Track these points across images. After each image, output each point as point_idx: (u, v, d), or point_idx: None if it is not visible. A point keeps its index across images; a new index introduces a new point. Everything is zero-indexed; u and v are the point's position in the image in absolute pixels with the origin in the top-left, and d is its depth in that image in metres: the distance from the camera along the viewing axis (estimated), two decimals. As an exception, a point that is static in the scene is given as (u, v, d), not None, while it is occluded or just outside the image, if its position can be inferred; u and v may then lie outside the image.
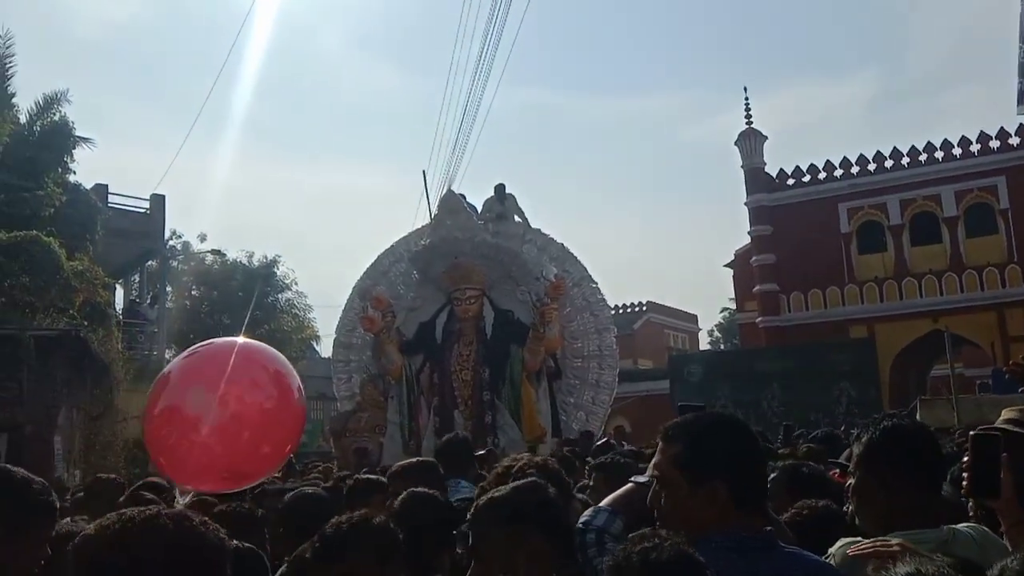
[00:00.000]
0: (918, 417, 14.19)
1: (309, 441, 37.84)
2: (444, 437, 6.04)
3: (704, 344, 56.02)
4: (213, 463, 2.66)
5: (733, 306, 39.67)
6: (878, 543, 1.95)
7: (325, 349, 41.29)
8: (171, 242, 31.48)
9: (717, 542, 1.74)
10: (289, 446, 2.91)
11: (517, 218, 15.21)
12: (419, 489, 3.06)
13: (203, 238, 33.51)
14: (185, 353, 2.95)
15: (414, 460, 4.28)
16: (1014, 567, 1.38)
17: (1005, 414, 2.87)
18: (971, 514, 2.73)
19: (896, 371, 25.68)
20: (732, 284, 33.04)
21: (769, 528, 2.02)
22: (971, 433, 2.43)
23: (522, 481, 2.27)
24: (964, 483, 2.54)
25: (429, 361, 13.90)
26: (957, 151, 26.66)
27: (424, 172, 28.32)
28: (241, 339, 3.10)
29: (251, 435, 2.75)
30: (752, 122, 29.40)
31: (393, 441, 13.38)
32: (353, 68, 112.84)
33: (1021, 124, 25.69)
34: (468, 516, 2.14)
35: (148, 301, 25.61)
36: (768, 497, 2.10)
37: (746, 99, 29.72)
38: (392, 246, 15.60)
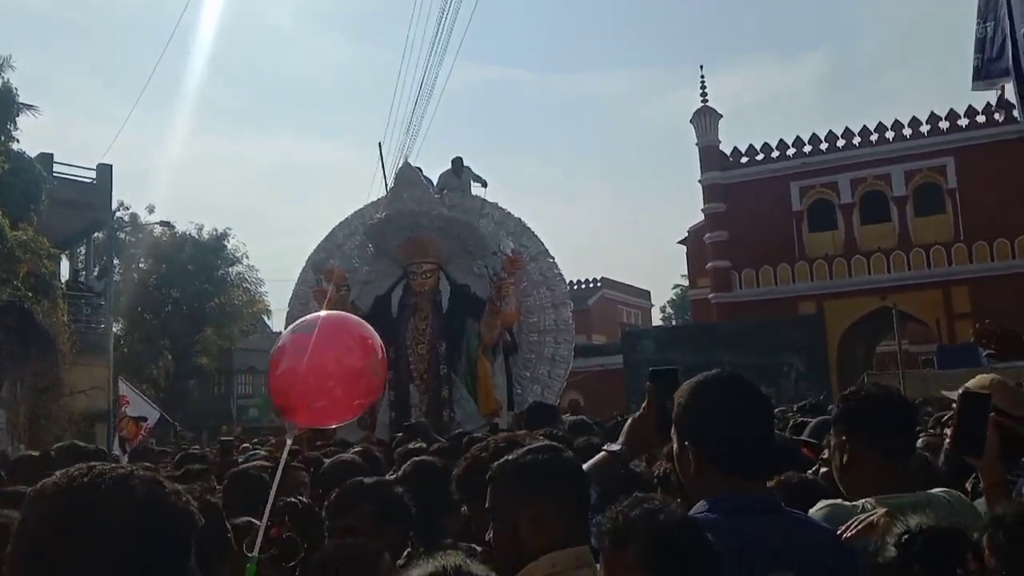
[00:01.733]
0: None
1: (260, 415, 37.58)
2: (404, 424, 6.07)
3: (657, 320, 56.66)
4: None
5: (686, 283, 40.08)
6: (863, 518, 1.95)
7: (277, 323, 40.89)
8: (119, 214, 30.79)
9: (716, 504, 1.72)
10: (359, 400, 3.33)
11: (475, 187, 15.08)
12: (423, 458, 3.49)
13: (151, 210, 32.89)
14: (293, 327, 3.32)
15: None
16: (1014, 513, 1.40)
17: (952, 393, 2.92)
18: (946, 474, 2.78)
19: (844, 347, 26.21)
20: (685, 260, 33.34)
21: (772, 491, 2.05)
22: (960, 391, 2.47)
23: (538, 444, 2.24)
24: (948, 440, 2.59)
25: (384, 335, 13.72)
26: (907, 131, 27.12)
27: (380, 145, 27.85)
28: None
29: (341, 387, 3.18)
30: (707, 100, 29.58)
31: (348, 416, 13.28)
32: (305, 41, 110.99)
33: (970, 105, 26.22)
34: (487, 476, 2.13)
35: (95, 273, 25.03)
36: (764, 463, 2.04)
37: (702, 77, 29.92)
38: (347, 219, 15.37)
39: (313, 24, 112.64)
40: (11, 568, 1.06)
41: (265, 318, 39.90)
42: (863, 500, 2.13)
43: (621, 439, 2.53)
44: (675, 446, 2.06)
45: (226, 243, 34.17)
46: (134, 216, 32.90)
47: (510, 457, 2.14)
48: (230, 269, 34.62)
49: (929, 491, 2.28)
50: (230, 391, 41.06)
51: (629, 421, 2.55)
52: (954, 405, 2.50)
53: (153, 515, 1.09)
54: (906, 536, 1.71)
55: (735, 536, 1.69)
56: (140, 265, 33.66)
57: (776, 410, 6.71)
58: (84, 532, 1.05)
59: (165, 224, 32.75)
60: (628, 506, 1.66)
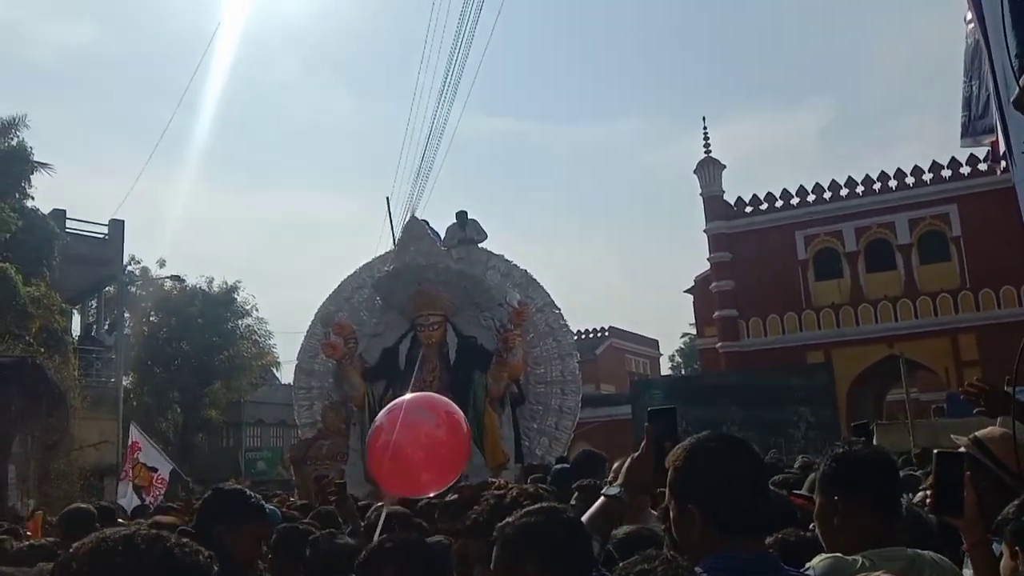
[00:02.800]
0: (875, 441, 14.41)
1: (268, 469, 37.42)
2: None
3: (665, 369, 56.48)
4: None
5: (694, 331, 40.03)
6: None
7: (285, 375, 40.95)
8: (129, 268, 31.08)
9: (715, 564, 1.74)
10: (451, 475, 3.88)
11: (478, 239, 15.24)
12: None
13: (162, 264, 33.16)
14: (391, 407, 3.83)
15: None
16: None
17: (961, 438, 2.98)
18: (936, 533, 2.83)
19: (853, 396, 26.05)
20: (692, 310, 33.37)
21: (770, 551, 2.06)
22: (935, 452, 2.52)
23: (536, 506, 2.27)
24: (927, 502, 2.64)
25: (392, 387, 13.81)
26: (910, 179, 27.30)
27: (388, 199, 28.35)
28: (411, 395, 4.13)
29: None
30: (711, 150, 29.88)
31: (355, 468, 13.25)
32: (314, 95, 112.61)
33: (972, 154, 26.38)
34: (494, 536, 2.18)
35: (105, 327, 25.21)
36: (764, 523, 2.07)
37: (704, 128, 30.25)
38: (355, 272, 15.56)
39: (320, 78, 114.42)
40: None
41: (274, 370, 39.99)
42: (860, 554, 2.17)
43: (620, 480, 2.55)
44: (672, 509, 2.08)
45: (235, 296, 34.38)
46: (145, 270, 33.23)
47: (510, 520, 2.17)
48: (239, 322, 34.77)
49: (919, 551, 2.31)
50: (239, 444, 40.95)
51: (627, 462, 2.56)
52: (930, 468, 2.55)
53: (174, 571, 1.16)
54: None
55: None
56: (150, 318, 33.80)
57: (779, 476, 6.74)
58: None
59: (175, 278, 33.01)
60: (634, 562, 1.68)
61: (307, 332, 15.50)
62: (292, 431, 31.70)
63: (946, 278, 26.22)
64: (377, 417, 3.84)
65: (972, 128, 5.74)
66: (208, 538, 3.06)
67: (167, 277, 32.93)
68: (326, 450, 13.96)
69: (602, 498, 2.53)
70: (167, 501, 13.15)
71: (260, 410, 40.85)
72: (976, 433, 3.02)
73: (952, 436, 3.08)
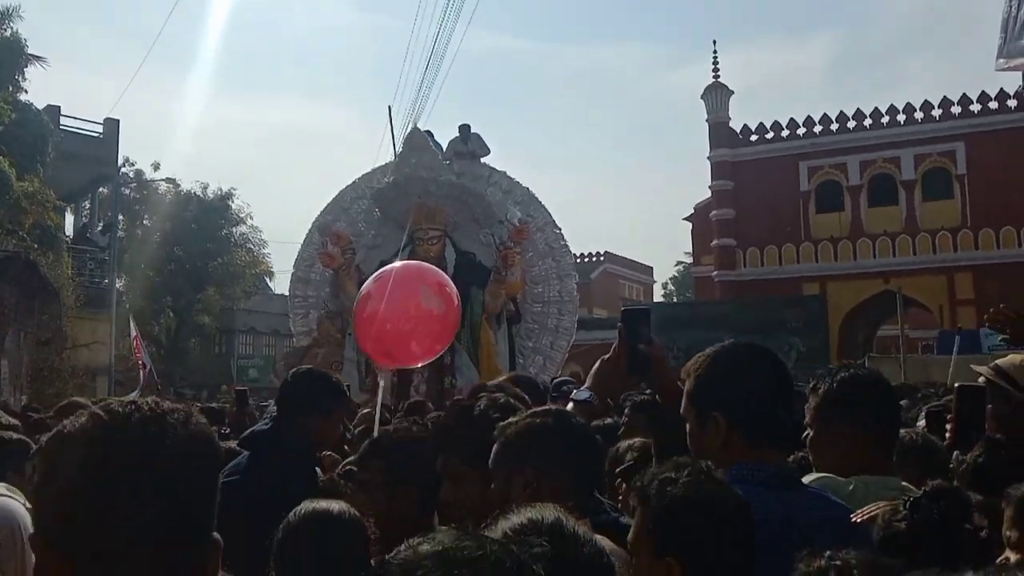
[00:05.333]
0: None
1: (260, 376, 37.70)
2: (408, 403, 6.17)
3: (659, 296, 56.64)
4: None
5: (689, 260, 39.99)
6: (869, 511, 1.91)
7: (279, 285, 40.92)
8: (124, 169, 30.62)
9: (740, 475, 1.67)
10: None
11: (480, 155, 15.01)
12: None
13: (156, 167, 32.70)
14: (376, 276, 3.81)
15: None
16: None
17: (981, 368, 2.92)
18: (952, 465, 2.78)
19: (845, 329, 26.21)
20: (690, 237, 33.24)
21: (791, 464, 2.00)
22: (956, 386, 2.46)
23: (542, 408, 2.19)
24: (948, 434, 2.58)
25: (388, 300, 13.80)
26: (919, 115, 26.91)
27: (389, 108, 27.73)
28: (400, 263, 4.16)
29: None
30: (719, 76, 29.34)
31: (349, 378, 13.28)
32: (314, 4, 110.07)
33: (983, 91, 25.99)
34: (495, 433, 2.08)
35: (99, 228, 24.98)
36: (787, 436, 2.00)
37: (714, 53, 29.71)
38: (354, 182, 15.34)
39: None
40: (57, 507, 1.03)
41: (268, 280, 39.93)
42: (853, 478, 2.11)
43: (588, 383, 2.44)
44: (692, 418, 1.99)
45: (231, 203, 34.07)
46: (139, 172, 32.78)
47: (514, 419, 2.09)
48: (234, 229, 34.55)
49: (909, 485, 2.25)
50: (231, 351, 41.17)
51: (597, 364, 2.45)
52: (950, 399, 2.49)
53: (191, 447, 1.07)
54: (911, 501, 1.70)
55: (767, 509, 1.65)
56: (144, 222, 33.56)
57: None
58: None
59: (170, 181, 32.67)
60: (671, 468, 1.60)
61: (304, 241, 15.35)
62: (285, 340, 31.87)
63: (947, 216, 26.08)
64: (364, 285, 3.79)
65: (1007, 50, 5.52)
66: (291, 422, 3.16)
67: (162, 180, 32.58)
68: (321, 359, 13.94)
69: (571, 404, 2.42)
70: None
71: (253, 318, 40.94)
72: (997, 362, 2.97)
73: (972, 367, 3.03)
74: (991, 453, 2.06)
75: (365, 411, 5.76)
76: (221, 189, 34.05)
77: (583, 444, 2.07)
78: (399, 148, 15.28)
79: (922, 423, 3.62)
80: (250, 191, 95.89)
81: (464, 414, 2.46)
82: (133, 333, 13.39)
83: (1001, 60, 5.52)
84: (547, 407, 2.25)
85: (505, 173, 14.99)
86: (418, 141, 14.24)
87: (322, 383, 3.25)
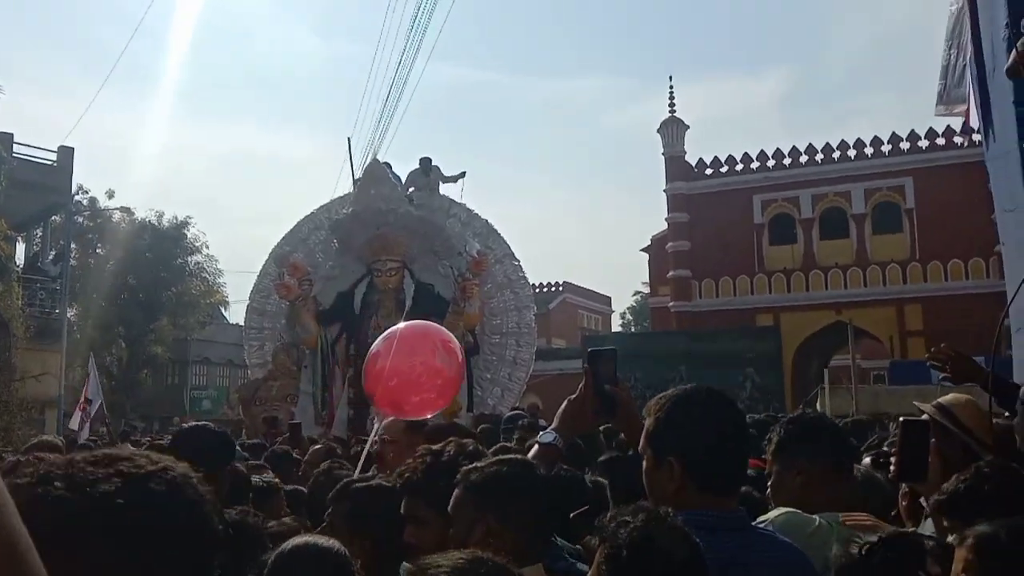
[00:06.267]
0: (818, 404, 14.75)
1: (213, 408, 37.11)
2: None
3: (617, 326, 56.92)
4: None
5: (646, 290, 40.31)
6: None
7: (234, 315, 40.40)
8: (77, 197, 30.12)
9: (689, 520, 1.67)
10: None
11: (444, 187, 15.07)
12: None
13: (111, 195, 32.19)
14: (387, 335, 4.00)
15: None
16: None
17: (925, 405, 3.00)
18: (902, 502, 2.85)
19: (799, 359, 26.55)
20: (647, 268, 33.55)
21: (741, 508, 2.00)
22: (900, 420, 2.54)
23: (508, 457, 2.22)
24: (892, 468, 2.66)
25: (346, 331, 13.72)
26: (869, 150, 27.59)
27: (349, 139, 27.81)
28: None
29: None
30: (675, 110, 29.80)
31: (305, 411, 13.18)
32: (274, 31, 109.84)
33: (931, 128, 26.75)
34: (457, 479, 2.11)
35: (51, 257, 24.51)
36: (738, 482, 2.05)
37: (671, 88, 30.09)
38: (312, 213, 15.30)
39: (282, 14, 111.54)
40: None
41: (222, 309, 39.42)
42: (818, 515, 2.18)
43: (554, 423, 2.46)
44: (648, 459, 2.00)
45: (186, 232, 33.67)
46: (93, 200, 32.25)
47: (479, 464, 2.11)
48: (189, 258, 34.10)
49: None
50: (184, 382, 40.48)
51: (564, 404, 2.47)
52: (895, 432, 2.58)
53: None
54: (867, 545, 1.73)
55: (715, 554, 1.67)
56: (97, 251, 32.99)
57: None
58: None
59: (125, 210, 32.17)
60: (628, 513, 1.61)
61: (260, 272, 15.25)
62: (239, 371, 31.41)
63: (897, 249, 26.67)
64: (374, 344, 4.04)
65: (947, 96, 5.72)
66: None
67: (116, 208, 32.10)
68: (276, 391, 13.82)
69: (536, 446, 2.44)
70: (90, 437, 12.92)
71: (207, 348, 40.35)
72: (940, 400, 3.04)
73: (915, 403, 3.12)
74: (977, 481, 2.12)
75: (317, 447, 5.72)
76: (176, 218, 33.67)
77: (544, 493, 2.10)
78: (358, 179, 15.28)
79: (868, 459, 3.71)
80: (207, 219, 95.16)
81: (433, 459, 2.48)
82: (91, 372, 13.10)
83: (940, 107, 5.72)
84: (512, 456, 2.28)
85: (464, 205, 15.06)
86: (377, 172, 14.25)
87: (209, 438, 3.28)
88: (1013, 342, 4.31)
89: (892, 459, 2.79)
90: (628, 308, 60.57)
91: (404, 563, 1.60)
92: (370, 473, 3.94)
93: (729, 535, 1.84)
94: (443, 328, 4.43)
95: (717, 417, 1.98)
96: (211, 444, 3.21)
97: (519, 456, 2.28)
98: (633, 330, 53.91)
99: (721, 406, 2.02)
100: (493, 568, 1.43)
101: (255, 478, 3.97)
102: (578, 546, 2.52)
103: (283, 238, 15.15)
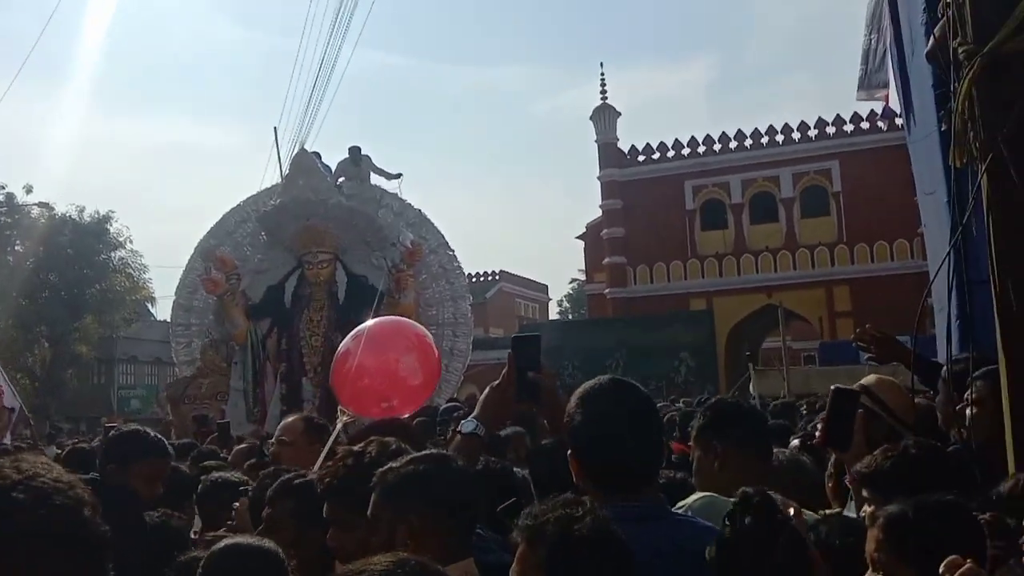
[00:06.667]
0: (751, 387, 14.99)
1: (143, 407, 36.21)
2: None
3: (554, 314, 57.21)
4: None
5: (583, 277, 40.56)
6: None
7: (162, 311, 39.39)
8: (-8, 193, 29.02)
9: (615, 511, 1.67)
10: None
11: (377, 178, 14.86)
12: None
13: (29, 190, 31.03)
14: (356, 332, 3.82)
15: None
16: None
17: (873, 379, 3.05)
18: (828, 483, 2.86)
19: (732, 342, 27.03)
20: (583, 256, 33.74)
21: (660, 496, 2.00)
22: (832, 388, 2.59)
23: (422, 453, 2.15)
24: (818, 434, 2.70)
25: (277, 326, 13.46)
26: (796, 135, 28.16)
27: (275, 129, 27.13)
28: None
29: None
30: (607, 97, 29.95)
31: (236, 408, 12.88)
32: (193, 20, 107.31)
33: (856, 112, 27.40)
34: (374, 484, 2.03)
35: (-36, 255, 23.53)
36: (638, 474, 1.99)
37: (602, 75, 30.22)
38: (239, 205, 14.93)
39: (201, 4, 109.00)
40: None
41: (149, 306, 38.40)
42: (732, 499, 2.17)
43: (476, 411, 2.42)
44: (571, 457, 2.01)
45: (108, 227, 32.63)
46: (10, 196, 31.05)
47: (393, 465, 2.05)
48: (112, 254, 33.09)
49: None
50: (111, 381, 39.42)
51: (485, 392, 2.45)
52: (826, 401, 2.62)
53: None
54: (728, 512, 1.69)
55: (638, 544, 1.66)
56: (15, 247, 31.80)
57: (660, 403, 6.84)
58: None
59: (43, 205, 31.05)
60: (552, 507, 1.60)
61: (186, 267, 14.84)
62: (168, 369, 30.67)
63: (825, 232, 27.29)
64: (343, 342, 3.90)
65: (868, 81, 5.80)
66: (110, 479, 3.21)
67: (35, 204, 30.96)
68: (205, 389, 13.52)
69: (458, 436, 2.40)
70: (14, 441, 12.45)
71: (134, 346, 39.35)
72: (861, 381, 3.10)
73: (834, 387, 3.15)
74: (900, 458, 2.14)
75: (241, 446, 5.55)
76: (99, 212, 32.60)
77: (465, 486, 2.05)
78: (286, 170, 14.97)
79: (795, 442, 3.76)
80: (130, 214, 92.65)
81: (355, 460, 2.39)
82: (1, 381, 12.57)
83: (862, 92, 5.80)
84: (427, 452, 2.20)
85: (396, 195, 14.85)
86: (305, 163, 13.96)
87: (133, 437, 3.39)
88: (935, 321, 4.39)
89: (819, 427, 2.84)
90: (565, 296, 60.96)
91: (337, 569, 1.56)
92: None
93: (647, 525, 1.83)
94: (414, 323, 4.35)
95: (612, 413, 1.95)
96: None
97: (435, 451, 2.21)
98: (570, 317, 54.26)
99: (621, 398, 1.99)
100: (417, 568, 1.40)
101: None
102: (508, 539, 2.48)
103: (209, 231, 14.76)
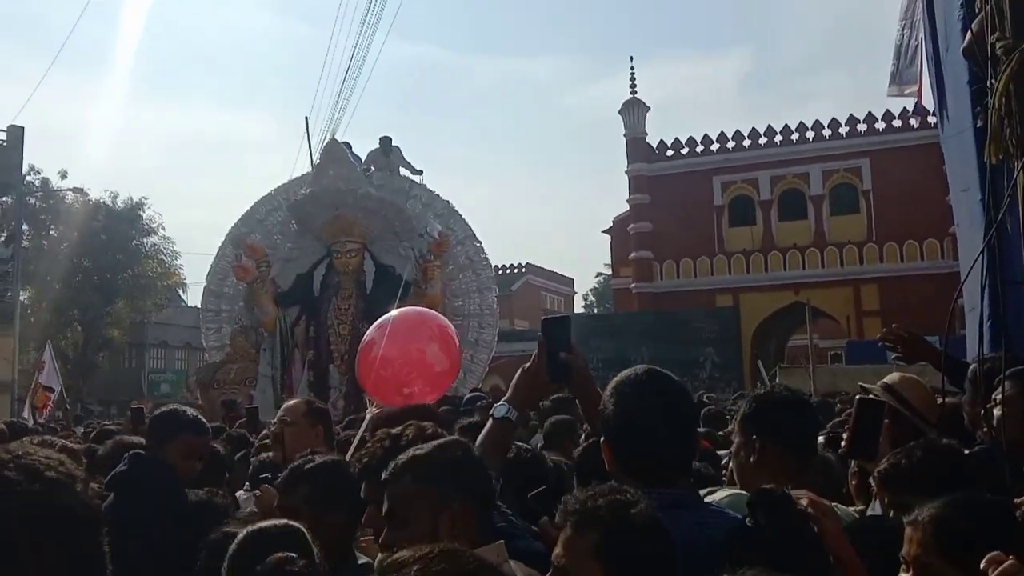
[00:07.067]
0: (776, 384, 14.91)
1: (172, 391, 36.63)
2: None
3: (579, 307, 57.13)
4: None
5: (609, 271, 40.45)
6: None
7: (192, 297, 39.90)
8: (29, 178, 29.43)
9: (649, 497, 1.68)
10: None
11: (403, 171, 14.94)
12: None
13: (64, 175, 31.48)
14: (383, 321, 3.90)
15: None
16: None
17: (871, 385, 3.02)
18: (851, 481, 2.87)
19: (757, 339, 26.88)
20: (609, 250, 33.64)
21: (693, 487, 2.02)
22: (857, 398, 2.56)
23: (446, 439, 2.16)
24: (843, 443, 2.68)
25: (305, 314, 13.58)
26: (827, 132, 27.86)
27: (307, 119, 27.29)
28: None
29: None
30: (636, 92, 29.83)
31: (264, 395, 13.04)
32: (228, 11, 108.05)
33: (887, 110, 27.06)
34: (384, 474, 2.00)
35: (2, 239, 23.94)
36: (672, 464, 2.00)
37: (631, 68, 30.10)
38: (270, 194, 15.05)
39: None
40: None
41: (180, 292, 38.88)
42: None
43: (508, 395, 2.41)
44: (602, 447, 2.02)
45: (141, 213, 33.06)
46: (45, 181, 31.52)
47: (418, 453, 2.02)
48: (145, 240, 33.52)
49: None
50: (141, 365, 39.93)
51: (517, 374, 2.43)
52: (851, 410, 2.57)
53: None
54: (749, 503, 1.74)
55: (676, 532, 1.67)
56: (51, 232, 32.28)
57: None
58: None
59: (78, 191, 31.51)
60: (601, 492, 1.62)
61: (217, 253, 14.99)
62: (198, 354, 31.01)
63: (854, 230, 27.02)
64: (368, 332, 3.96)
65: (899, 77, 5.75)
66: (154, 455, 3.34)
67: (69, 189, 31.42)
68: (234, 374, 13.67)
69: (490, 421, 2.39)
70: (48, 422, 12.70)
71: (164, 331, 39.82)
72: (885, 380, 3.08)
73: (861, 384, 3.15)
74: (914, 457, 2.14)
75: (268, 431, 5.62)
76: (132, 199, 33.05)
77: (484, 470, 2.06)
78: (316, 159, 15.08)
79: (820, 439, 3.76)
80: (162, 200, 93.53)
81: (392, 442, 2.43)
82: (48, 358, 12.78)
83: (893, 87, 5.75)
84: (447, 439, 2.22)
85: (425, 186, 14.93)
86: (336, 153, 14.07)
87: (170, 415, 3.50)
88: (966, 321, 4.36)
89: (845, 436, 2.82)
90: (591, 289, 60.87)
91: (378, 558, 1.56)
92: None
93: (683, 512, 1.84)
94: (439, 315, 4.43)
95: (646, 402, 1.96)
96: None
97: (458, 438, 2.24)
98: (596, 311, 54.17)
99: (656, 388, 2.00)
100: (464, 557, 1.40)
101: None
102: (534, 527, 2.50)
103: (240, 219, 14.91)
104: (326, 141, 15.11)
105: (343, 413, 9.93)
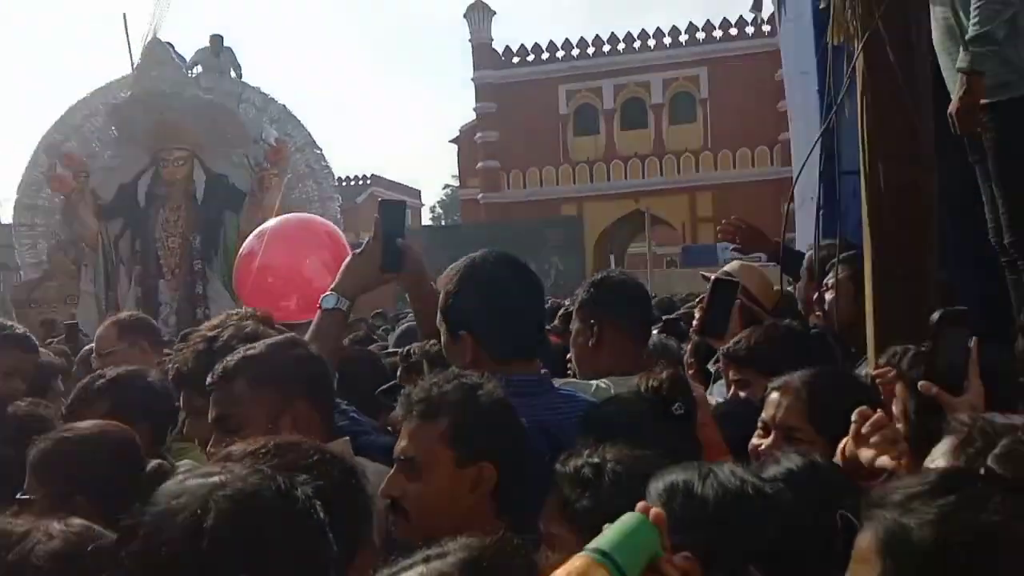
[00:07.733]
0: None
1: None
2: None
3: (427, 219, 56.79)
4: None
5: (456, 183, 40.25)
6: None
7: (3, 213, 36.87)
8: None
9: (513, 384, 1.67)
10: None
11: (233, 73, 14.10)
12: None
13: None
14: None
15: None
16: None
17: (733, 266, 3.11)
18: (688, 370, 2.91)
19: (600, 247, 27.61)
20: (456, 160, 33.40)
21: (544, 371, 1.99)
22: (713, 278, 2.60)
23: (279, 337, 1.99)
24: (695, 323, 2.72)
25: (130, 227, 12.80)
26: (667, 40, 28.30)
27: (124, 16, 25.20)
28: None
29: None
30: (479, -6, 29.23)
31: (88, 314, 12.24)
32: None
33: (724, 18, 27.74)
34: (209, 379, 1.82)
35: None
36: (535, 345, 2.00)
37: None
38: (86, 98, 13.92)
39: None
40: None
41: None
42: (596, 381, 2.15)
43: (336, 281, 2.28)
44: (444, 334, 1.97)
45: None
46: None
47: (251, 352, 1.85)
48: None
49: None
50: (-50, 287, 36.90)
51: (347, 259, 2.33)
52: (704, 293, 2.63)
53: None
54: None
55: (529, 417, 1.68)
56: None
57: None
58: None
59: None
60: (443, 379, 1.60)
61: (28, 163, 13.83)
62: (13, 274, 28.83)
63: (691, 139, 27.89)
64: (246, 243, 3.65)
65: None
66: None
67: None
68: (54, 292, 12.84)
69: (318, 312, 2.24)
70: None
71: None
72: (724, 268, 3.19)
73: (701, 273, 3.25)
74: (772, 337, 2.23)
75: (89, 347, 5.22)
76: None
77: (325, 367, 1.92)
78: (137, 60, 13.98)
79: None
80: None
81: (207, 345, 2.21)
82: None
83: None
84: (279, 338, 2.03)
85: (259, 89, 14.19)
86: (159, 53, 13.14)
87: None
88: (796, 217, 4.49)
89: (696, 315, 2.88)
90: (438, 201, 60.55)
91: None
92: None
93: (529, 398, 1.82)
94: (325, 221, 4.16)
95: (504, 286, 1.95)
96: None
97: (287, 335, 2.06)
98: (444, 223, 54.01)
99: (508, 273, 1.99)
100: (304, 447, 1.32)
101: None
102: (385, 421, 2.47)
103: (53, 125, 13.76)
104: (148, 40, 14.00)
105: (176, 330, 9.42)
